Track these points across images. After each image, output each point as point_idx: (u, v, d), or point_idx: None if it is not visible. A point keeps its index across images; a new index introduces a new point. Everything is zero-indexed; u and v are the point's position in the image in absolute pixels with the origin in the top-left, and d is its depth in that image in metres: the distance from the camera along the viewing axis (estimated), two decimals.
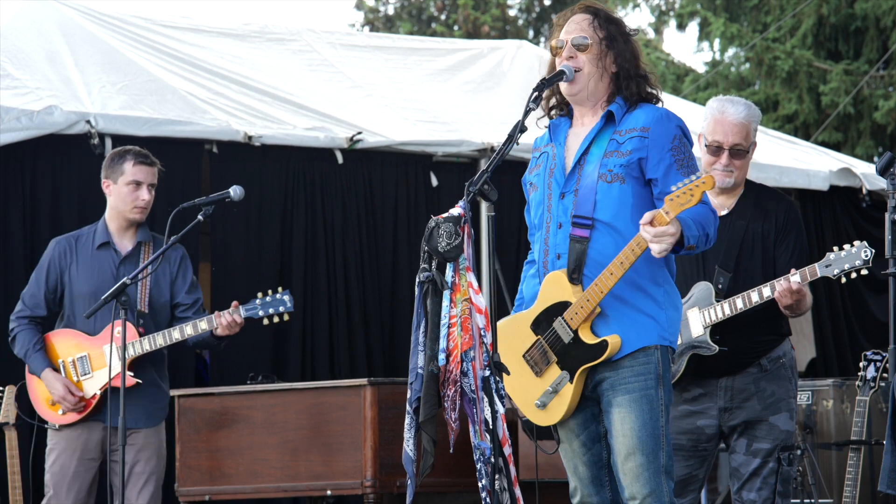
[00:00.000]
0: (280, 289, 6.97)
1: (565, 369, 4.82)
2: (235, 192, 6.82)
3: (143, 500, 6.89)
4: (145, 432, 6.91)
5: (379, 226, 9.92)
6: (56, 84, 9.16)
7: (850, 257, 5.84)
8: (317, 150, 9.60)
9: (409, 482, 4.77)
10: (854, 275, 5.87)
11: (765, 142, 10.93)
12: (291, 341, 9.49)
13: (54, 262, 6.98)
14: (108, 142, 8.69)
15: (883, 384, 7.41)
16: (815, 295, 6.03)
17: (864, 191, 11.10)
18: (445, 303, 4.67)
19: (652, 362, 4.78)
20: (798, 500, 7.53)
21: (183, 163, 8.89)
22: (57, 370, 6.92)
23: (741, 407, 5.94)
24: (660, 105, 4.94)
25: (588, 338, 4.78)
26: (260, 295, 6.91)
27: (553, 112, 5.02)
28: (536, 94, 4.81)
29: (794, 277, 5.80)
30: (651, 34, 22.58)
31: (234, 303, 6.85)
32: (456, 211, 4.68)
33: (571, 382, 4.81)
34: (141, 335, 6.80)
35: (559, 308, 4.83)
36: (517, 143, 4.76)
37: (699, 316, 5.91)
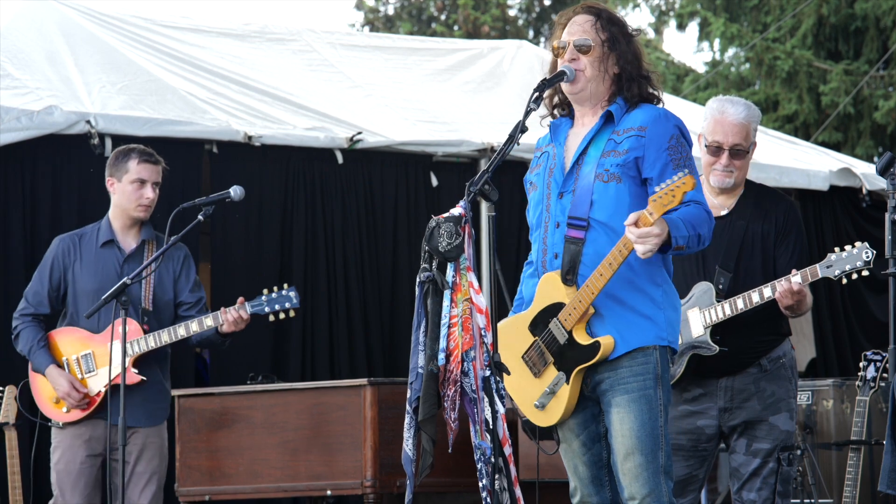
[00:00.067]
0: (286, 285, 6.98)
1: (562, 370, 4.82)
2: (236, 192, 6.83)
3: (145, 500, 6.90)
4: (147, 431, 6.92)
5: (379, 226, 9.92)
6: (56, 84, 9.16)
7: (851, 258, 5.84)
8: (317, 150, 9.60)
9: (408, 482, 4.77)
10: (855, 275, 5.87)
11: (765, 142, 10.93)
12: (291, 341, 9.49)
13: (58, 259, 6.98)
14: (108, 142, 8.69)
15: (883, 384, 7.41)
16: (816, 295, 6.03)
17: (864, 191, 11.10)
18: (446, 303, 4.67)
19: (651, 362, 4.78)
20: (798, 500, 7.53)
21: (183, 163, 8.89)
22: (61, 367, 6.92)
23: (741, 407, 5.94)
24: (660, 105, 4.93)
25: (582, 339, 4.78)
26: (266, 292, 6.93)
27: (556, 111, 5.02)
28: (537, 94, 4.81)
29: (795, 278, 5.80)
30: (651, 34, 22.59)
31: (240, 299, 6.86)
32: (456, 211, 4.68)
33: (568, 383, 4.81)
34: (145, 332, 6.81)
35: (554, 309, 4.83)
36: (518, 144, 4.76)
37: (699, 316, 5.91)
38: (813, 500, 7.88)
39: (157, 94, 9.37)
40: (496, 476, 4.65)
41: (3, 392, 7.64)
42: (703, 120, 6.04)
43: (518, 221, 9.96)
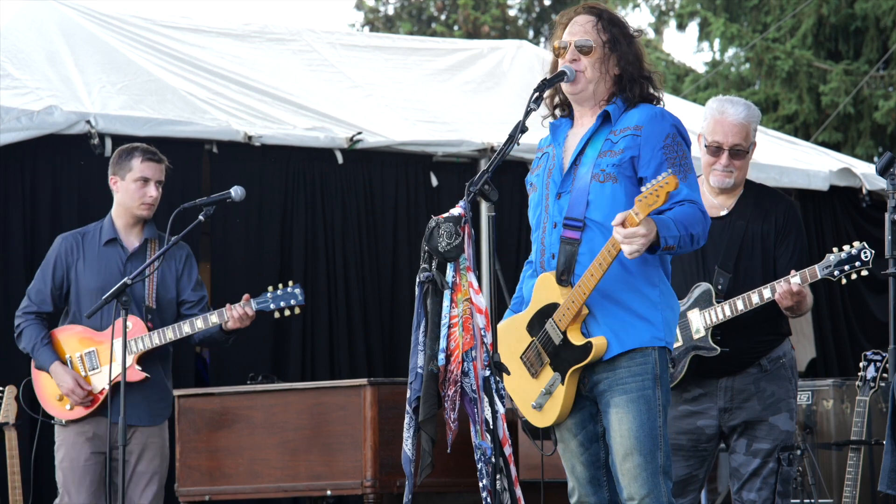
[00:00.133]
0: (291, 282, 6.99)
1: (557, 371, 4.82)
2: (236, 192, 6.83)
3: (146, 500, 6.90)
4: (149, 431, 6.92)
5: (379, 226, 9.92)
6: (56, 84, 9.16)
7: (850, 258, 5.84)
8: (317, 150, 9.60)
9: (407, 482, 4.77)
10: (854, 275, 5.87)
11: (765, 142, 10.93)
12: (291, 341, 9.49)
13: (61, 257, 6.99)
14: (108, 142, 8.69)
15: (883, 384, 7.41)
16: (815, 295, 6.03)
17: (864, 191, 11.10)
18: (446, 303, 4.67)
19: (649, 363, 4.77)
20: (798, 501, 7.53)
21: (183, 163, 8.89)
22: (65, 364, 6.92)
23: (741, 407, 5.94)
24: (660, 106, 4.93)
25: (576, 339, 4.77)
26: (271, 288, 6.94)
27: (557, 111, 5.02)
28: (537, 94, 4.81)
29: (795, 279, 5.80)
30: (651, 34, 22.59)
31: (246, 296, 6.86)
32: (456, 211, 4.68)
33: (563, 384, 4.80)
34: (150, 330, 6.82)
35: (550, 310, 4.83)
36: (518, 144, 4.76)
37: (700, 317, 5.91)
38: (813, 500, 7.89)
39: (157, 94, 9.37)
40: (497, 476, 4.65)
41: (3, 392, 7.64)
42: (702, 120, 6.04)
43: (518, 221, 9.97)
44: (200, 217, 6.72)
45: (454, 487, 7.63)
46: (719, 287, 5.91)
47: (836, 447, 7.96)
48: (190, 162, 9.00)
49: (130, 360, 6.79)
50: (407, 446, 4.74)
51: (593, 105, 4.91)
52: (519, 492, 4.72)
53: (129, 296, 6.62)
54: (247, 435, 7.63)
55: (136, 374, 6.79)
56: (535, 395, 4.87)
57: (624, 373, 4.76)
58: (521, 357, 4.91)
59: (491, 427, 4.66)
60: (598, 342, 4.74)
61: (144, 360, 6.85)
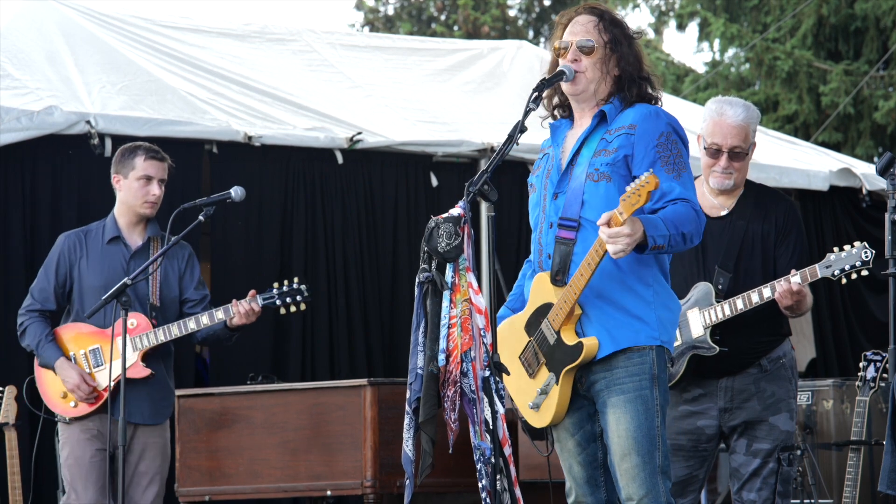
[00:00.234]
0: (296, 279, 6.99)
1: (552, 371, 4.81)
2: (236, 192, 6.84)
3: (148, 500, 6.90)
4: (150, 430, 6.92)
5: (379, 226, 9.92)
6: (56, 84, 9.16)
7: (850, 258, 5.84)
8: (317, 150, 9.60)
9: (407, 482, 4.77)
10: (854, 275, 5.87)
11: (765, 142, 10.94)
12: (291, 341, 9.49)
13: (63, 256, 6.99)
14: (108, 142, 8.69)
15: (883, 384, 7.41)
16: (815, 295, 6.03)
17: (864, 191, 11.11)
18: (445, 303, 4.67)
19: (647, 363, 4.76)
20: (798, 501, 7.53)
21: (183, 163, 8.87)
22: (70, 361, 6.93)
23: (741, 407, 5.94)
24: (658, 106, 4.92)
25: (569, 339, 4.77)
26: (276, 285, 6.95)
27: (556, 112, 5.01)
28: (536, 94, 4.80)
29: (795, 278, 5.80)
30: (651, 34, 22.59)
31: (252, 292, 6.87)
32: (456, 211, 4.68)
33: (557, 384, 4.80)
34: (154, 327, 6.83)
35: (546, 309, 4.83)
36: (517, 144, 4.75)
37: (699, 316, 5.91)
38: (813, 501, 7.88)
39: (157, 95, 9.37)
40: (496, 476, 4.65)
41: (3, 392, 7.64)
42: (701, 121, 6.03)
43: (518, 221, 9.97)
44: (200, 217, 6.73)
45: (454, 487, 7.63)
46: (719, 287, 5.90)
47: (836, 447, 7.96)
48: (190, 162, 9.00)
49: (135, 356, 6.80)
50: (407, 447, 4.74)
51: (593, 105, 4.90)
52: (518, 492, 4.72)
53: (129, 296, 6.62)
54: (247, 435, 7.64)
55: (141, 370, 6.80)
56: (533, 396, 4.87)
57: (621, 373, 4.75)
58: (519, 357, 4.91)
59: (491, 427, 4.66)
60: (589, 342, 4.73)
61: (148, 357, 6.85)
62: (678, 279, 5.80)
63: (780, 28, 17.51)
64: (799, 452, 6.19)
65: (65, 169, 8.86)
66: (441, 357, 4.67)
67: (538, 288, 4.87)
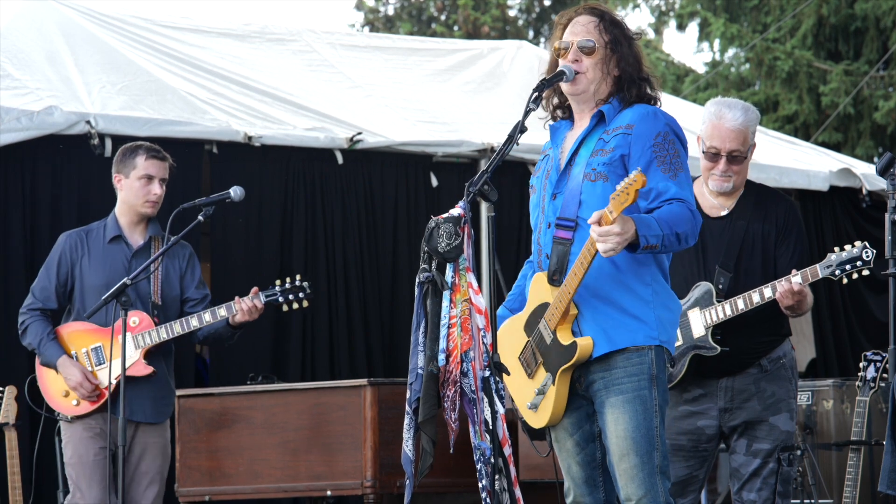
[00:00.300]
0: (298, 276, 7.00)
1: (549, 371, 4.81)
2: (236, 192, 6.85)
3: (149, 500, 6.90)
4: (151, 430, 6.92)
5: (379, 226, 9.92)
6: (56, 84, 9.16)
7: (851, 258, 5.85)
8: (317, 151, 9.60)
9: (407, 482, 4.77)
10: (855, 275, 5.87)
11: (765, 142, 10.93)
12: (291, 341, 9.49)
13: (65, 255, 6.99)
14: (108, 142, 8.69)
15: (883, 384, 7.41)
16: (816, 295, 6.03)
17: (864, 191, 11.11)
18: (445, 303, 4.67)
19: (645, 363, 4.75)
20: (798, 501, 7.53)
21: (183, 163, 8.86)
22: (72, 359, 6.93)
23: (741, 407, 5.94)
24: (657, 106, 4.91)
25: (565, 339, 4.76)
26: (278, 282, 6.95)
27: (556, 113, 5.01)
28: (536, 94, 4.80)
29: (795, 278, 5.80)
30: (651, 34, 22.59)
31: (254, 289, 6.88)
32: (456, 211, 4.68)
33: (553, 384, 4.79)
34: (156, 325, 6.83)
35: (543, 309, 4.83)
36: (517, 144, 4.75)
37: (700, 316, 5.91)
38: (813, 501, 7.88)
39: (157, 95, 9.37)
40: (496, 476, 4.65)
41: (3, 392, 7.64)
42: (701, 123, 6.02)
43: (518, 221, 9.97)
44: (200, 217, 6.74)
45: (454, 487, 7.63)
46: (720, 287, 5.90)
47: (836, 447, 7.96)
48: (190, 162, 9.00)
49: (138, 354, 6.81)
50: (407, 447, 4.74)
51: (592, 106, 4.90)
52: (518, 492, 4.72)
53: (129, 295, 6.62)
54: (247, 435, 7.64)
55: (144, 368, 6.81)
56: (532, 396, 4.87)
57: (620, 373, 4.75)
58: (519, 357, 4.91)
59: (491, 427, 4.66)
60: (583, 342, 4.72)
61: (150, 356, 6.86)
62: (678, 279, 5.80)
63: (780, 28, 17.51)
64: (799, 452, 6.19)
65: (65, 169, 8.86)
66: (441, 357, 4.67)
67: (536, 288, 4.87)
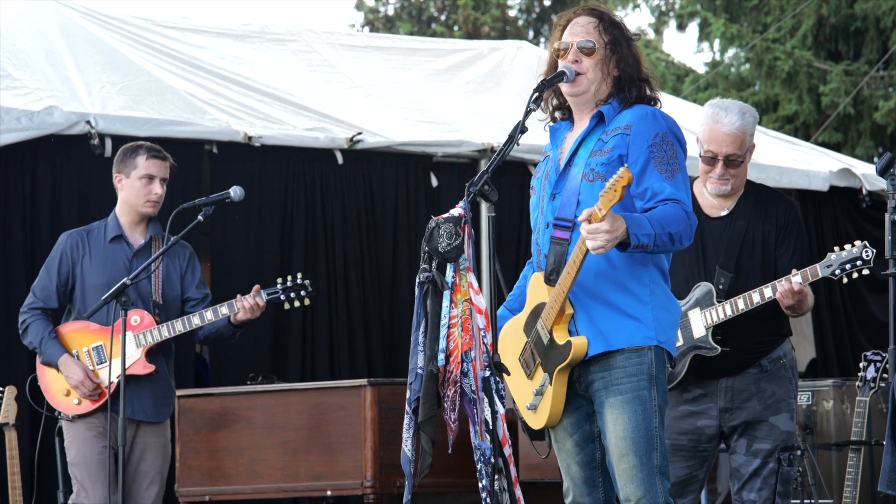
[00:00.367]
0: (300, 275, 7.00)
1: (546, 371, 4.81)
2: (235, 192, 6.85)
3: (149, 500, 6.90)
4: (152, 429, 6.92)
5: (379, 226, 9.92)
6: (56, 84, 9.16)
7: (851, 257, 5.84)
8: (317, 151, 9.61)
9: (406, 483, 4.77)
10: (856, 275, 5.86)
11: (765, 142, 10.94)
12: (291, 341, 9.49)
13: (66, 254, 6.99)
14: (108, 142, 8.69)
15: (883, 385, 7.41)
16: (815, 295, 6.02)
17: (864, 191, 11.11)
18: (445, 303, 4.67)
19: (645, 363, 4.75)
20: (798, 501, 7.53)
21: (183, 163, 8.87)
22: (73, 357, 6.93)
23: (741, 407, 5.94)
24: (657, 107, 4.91)
25: (560, 339, 4.76)
26: (280, 280, 6.95)
27: (556, 114, 5.01)
28: (537, 94, 4.80)
29: (796, 278, 5.80)
30: (651, 34, 22.59)
31: (256, 287, 6.88)
32: (456, 211, 4.68)
33: (551, 384, 4.79)
34: (158, 324, 6.83)
35: (540, 309, 4.82)
36: (518, 144, 4.75)
37: (700, 316, 5.91)
38: (813, 501, 7.89)
39: (157, 95, 9.37)
40: (496, 476, 4.65)
41: (3, 392, 7.63)
42: (699, 124, 6.02)
43: (518, 221, 9.97)
44: (200, 217, 6.74)
45: (454, 487, 7.64)
46: (720, 287, 5.90)
47: (836, 447, 7.96)
48: (190, 162, 9.00)
49: (139, 353, 6.81)
50: (406, 447, 4.74)
51: (592, 107, 4.89)
52: (519, 492, 4.72)
53: (129, 295, 6.62)
54: (247, 435, 7.64)
55: (145, 366, 6.81)
56: (531, 396, 4.87)
57: (619, 373, 4.74)
58: (519, 358, 4.91)
59: (491, 427, 4.66)
60: (578, 342, 4.72)
61: (151, 355, 6.86)
62: (679, 279, 5.80)
63: (780, 28, 17.51)
64: (799, 453, 6.20)
65: (65, 169, 8.86)
66: (441, 357, 4.67)
67: (534, 288, 4.87)
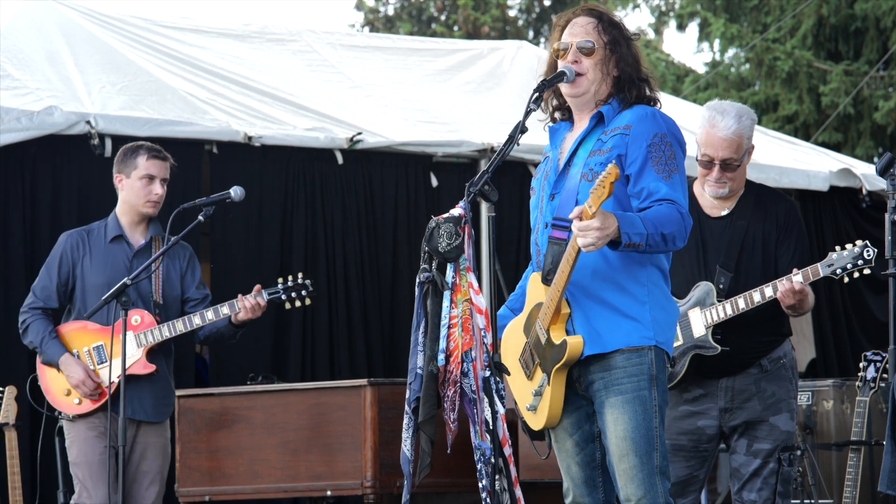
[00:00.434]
0: (300, 274, 7.00)
1: (544, 371, 4.81)
2: (236, 192, 6.85)
3: (149, 500, 6.90)
4: (152, 429, 6.92)
5: (379, 226, 9.93)
6: (56, 84, 9.16)
7: (852, 257, 5.84)
8: (317, 151, 9.61)
9: (406, 483, 4.77)
10: (857, 274, 5.86)
11: (765, 142, 10.94)
12: (291, 341, 9.49)
13: (66, 254, 6.99)
14: (108, 142, 8.69)
15: (883, 385, 7.41)
16: (815, 295, 6.02)
17: (864, 191, 11.11)
18: (446, 303, 4.67)
19: (645, 363, 4.74)
20: (798, 501, 7.53)
21: (183, 163, 8.86)
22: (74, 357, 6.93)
23: (742, 407, 5.94)
24: (657, 107, 4.91)
25: (557, 338, 4.76)
26: (281, 280, 6.96)
27: (556, 114, 5.00)
28: (537, 94, 4.80)
29: (797, 277, 5.80)
30: (651, 35, 22.59)
31: (257, 286, 6.88)
32: (456, 211, 4.68)
33: (549, 384, 4.79)
34: (158, 324, 6.83)
35: (538, 310, 4.82)
36: (518, 144, 4.75)
37: (701, 316, 5.91)
38: (813, 501, 7.89)
39: (157, 95, 9.37)
40: (496, 476, 4.65)
41: (3, 392, 7.63)
42: (698, 126, 6.01)
43: (518, 221, 9.97)
44: (200, 217, 6.74)
45: (454, 488, 7.64)
46: (721, 286, 5.90)
47: (837, 447, 7.96)
48: (190, 162, 9.00)
49: (140, 353, 6.81)
50: (406, 447, 4.74)
51: (592, 107, 4.89)
52: (519, 492, 4.72)
53: (129, 295, 6.63)
54: (247, 435, 7.64)
55: (146, 366, 6.81)
56: (531, 397, 4.86)
57: (620, 373, 4.74)
58: (519, 359, 4.91)
59: (491, 427, 4.66)
60: (573, 341, 4.71)
61: (151, 355, 6.86)
62: (679, 279, 5.80)
63: (780, 28, 17.51)
64: (799, 453, 6.19)
65: (65, 169, 8.86)
66: (441, 357, 4.67)
67: (533, 289, 4.87)
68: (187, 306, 7.02)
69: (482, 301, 4.69)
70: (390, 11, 25.37)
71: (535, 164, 5.42)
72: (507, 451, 4.69)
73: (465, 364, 4.67)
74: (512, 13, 25.03)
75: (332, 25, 26.23)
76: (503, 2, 24.08)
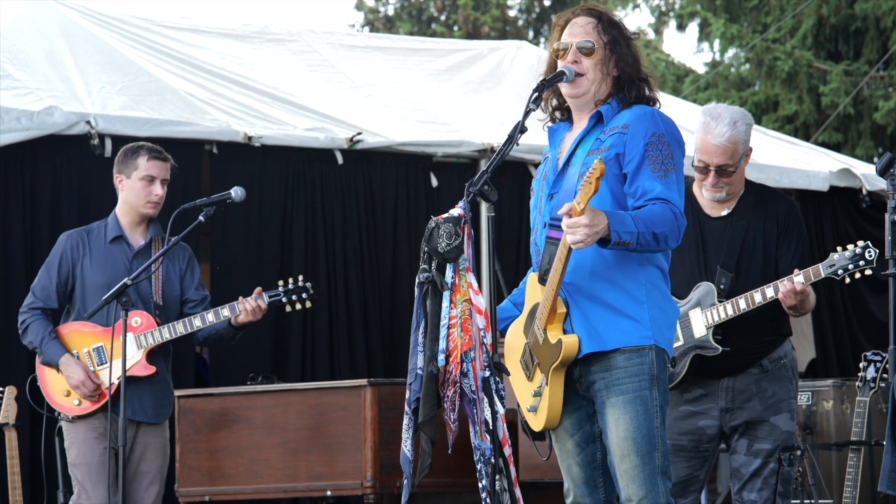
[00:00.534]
0: (301, 277, 7.00)
1: (543, 372, 4.80)
2: (236, 193, 6.85)
3: (149, 500, 6.90)
4: (151, 430, 6.92)
5: (379, 226, 9.93)
6: (56, 84, 9.16)
7: (854, 257, 5.84)
8: (317, 151, 9.61)
9: (405, 483, 4.77)
10: (858, 274, 5.86)
11: (764, 142, 10.94)
12: (291, 341, 9.49)
13: (66, 254, 6.99)
14: (108, 142, 8.69)
15: (883, 385, 7.41)
16: (816, 295, 6.02)
17: (864, 191, 11.11)
18: (445, 303, 4.67)
19: (646, 363, 4.74)
20: (798, 501, 7.53)
21: (183, 163, 8.86)
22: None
23: (742, 407, 5.94)
24: (656, 107, 4.90)
25: (553, 338, 4.75)
26: (281, 283, 6.96)
27: (556, 114, 5.00)
28: (536, 94, 4.80)
29: (798, 278, 5.80)
30: (651, 35, 22.59)
31: (258, 289, 6.88)
32: (456, 211, 4.68)
33: (547, 384, 4.78)
34: (158, 325, 6.83)
35: (535, 310, 4.82)
36: (517, 144, 4.74)
37: (701, 316, 5.91)
38: (813, 501, 7.89)
39: (157, 95, 9.37)
40: (496, 477, 4.65)
41: (3, 392, 7.63)
42: (695, 129, 6.00)
43: (518, 221, 9.97)
44: (200, 217, 6.74)
45: (454, 488, 7.64)
46: (721, 287, 5.90)
47: (837, 448, 7.96)
48: (190, 162, 9.00)
49: (140, 354, 6.81)
50: (405, 447, 4.74)
51: (592, 107, 4.89)
52: (518, 492, 4.72)
53: (129, 296, 6.62)
54: (247, 435, 7.64)
55: (146, 367, 6.81)
56: (531, 398, 4.86)
57: (620, 373, 4.74)
58: (520, 360, 4.91)
59: (491, 427, 4.65)
60: (568, 340, 4.70)
61: (151, 356, 6.86)
62: (679, 279, 5.80)
63: (780, 28, 17.51)
64: (799, 453, 6.19)
65: (65, 169, 8.86)
66: (441, 357, 4.66)
67: (531, 289, 4.87)
68: (186, 307, 7.02)
69: (482, 301, 4.69)
70: (390, 11, 25.37)
71: (535, 165, 5.42)
72: (507, 451, 4.69)
73: (464, 364, 4.67)
74: (512, 13, 25.03)
75: (332, 25, 26.24)
76: (503, 2, 24.08)
